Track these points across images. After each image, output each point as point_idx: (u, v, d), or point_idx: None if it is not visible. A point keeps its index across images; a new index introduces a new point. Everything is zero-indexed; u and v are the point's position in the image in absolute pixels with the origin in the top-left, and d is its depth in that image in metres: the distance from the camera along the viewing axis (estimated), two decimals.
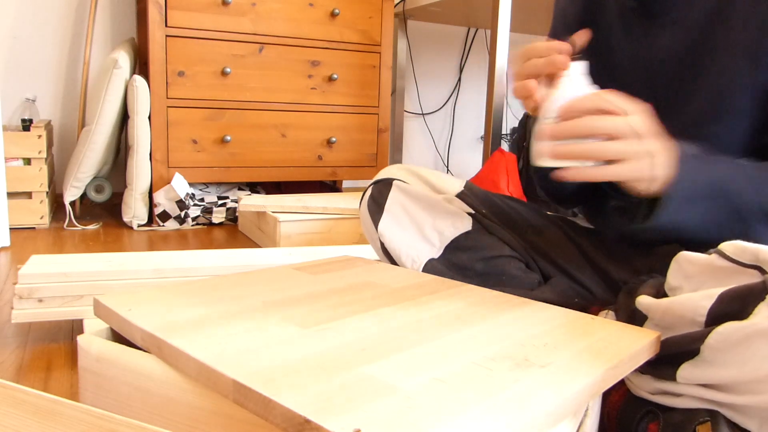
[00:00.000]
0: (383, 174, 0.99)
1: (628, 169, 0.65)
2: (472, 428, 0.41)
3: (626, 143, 0.65)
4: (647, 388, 0.62)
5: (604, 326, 0.62)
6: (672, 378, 0.58)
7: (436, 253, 0.89)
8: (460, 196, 0.93)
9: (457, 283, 0.79)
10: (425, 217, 0.92)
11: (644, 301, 0.64)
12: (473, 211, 0.91)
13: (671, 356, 0.59)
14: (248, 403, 0.46)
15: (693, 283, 0.63)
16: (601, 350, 0.55)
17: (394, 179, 0.96)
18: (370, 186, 0.99)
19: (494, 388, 0.47)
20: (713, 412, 0.56)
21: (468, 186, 0.96)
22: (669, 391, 0.60)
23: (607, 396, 0.66)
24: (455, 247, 0.89)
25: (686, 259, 0.64)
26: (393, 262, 0.92)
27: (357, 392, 0.45)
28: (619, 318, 0.69)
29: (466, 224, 0.90)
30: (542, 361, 0.52)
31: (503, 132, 2.40)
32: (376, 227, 0.93)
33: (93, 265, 0.98)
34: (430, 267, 0.88)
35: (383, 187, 0.96)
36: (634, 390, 0.64)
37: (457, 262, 0.88)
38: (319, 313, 0.63)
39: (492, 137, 2.04)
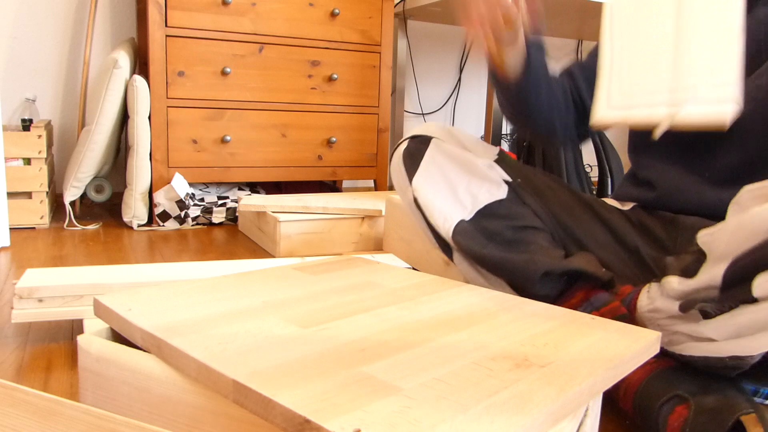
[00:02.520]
0: (421, 130, 1.00)
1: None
2: (472, 428, 0.41)
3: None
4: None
5: (604, 326, 0.62)
6: (748, 294, 0.56)
7: (468, 215, 0.90)
8: (498, 162, 0.94)
9: (457, 282, 0.79)
10: (461, 179, 0.92)
11: (704, 233, 0.62)
12: (510, 179, 0.92)
13: (744, 273, 0.57)
14: (248, 403, 0.46)
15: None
16: (601, 350, 0.55)
17: (433, 137, 0.97)
18: (405, 140, 1.00)
19: (494, 388, 0.47)
20: (756, 404, 0.55)
21: (501, 154, 0.97)
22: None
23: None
24: (488, 213, 0.89)
25: (747, 190, 0.63)
26: (423, 216, 0.93)
27: (357, 392, 0.45)
28: (669, 281, 0.68)
29: (501, 192, 0.90)
30: (542, 361, 0.52)
31: (503, 132, 2.40)
32: (411, 181, 0.94)
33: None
34: (461, 228, 0.89)
35: (421, 144, 0.97)
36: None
37: (487, 227, 0.88)
38: (319, 313, 0.63)
39: (492, 137, 2.05)
